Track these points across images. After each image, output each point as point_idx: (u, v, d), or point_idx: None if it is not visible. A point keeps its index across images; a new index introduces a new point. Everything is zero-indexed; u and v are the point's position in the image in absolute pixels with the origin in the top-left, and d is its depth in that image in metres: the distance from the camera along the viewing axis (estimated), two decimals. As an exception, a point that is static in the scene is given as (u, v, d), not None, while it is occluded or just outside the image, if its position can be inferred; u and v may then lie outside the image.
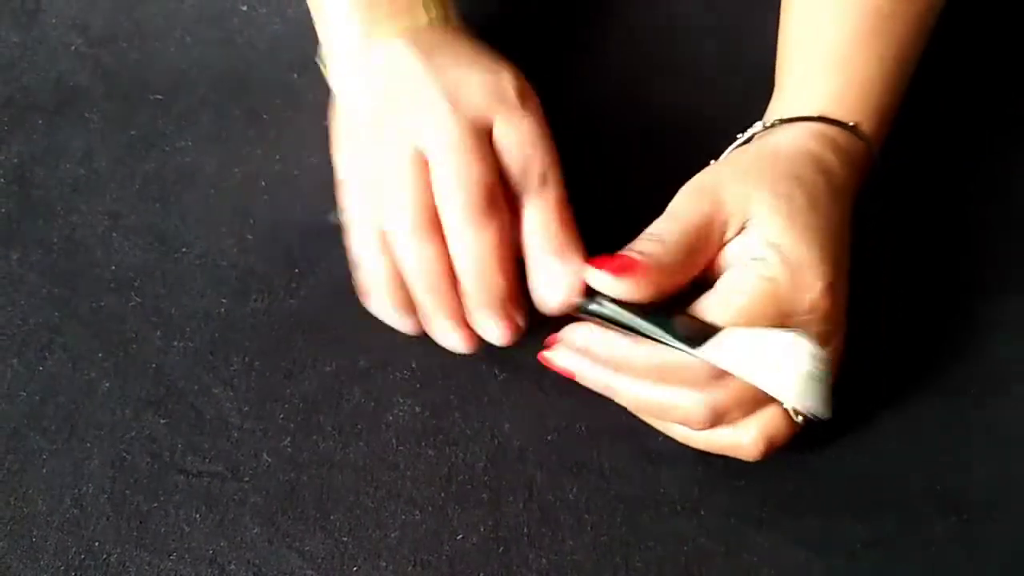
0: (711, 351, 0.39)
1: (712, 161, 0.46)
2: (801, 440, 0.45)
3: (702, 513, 0.43)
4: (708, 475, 0.44)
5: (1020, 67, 0.57)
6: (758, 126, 0.46)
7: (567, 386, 0.46)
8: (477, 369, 0.47)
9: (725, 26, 0.59)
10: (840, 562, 0.41)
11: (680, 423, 0.42)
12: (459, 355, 0.47)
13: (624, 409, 0.45)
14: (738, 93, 0.53)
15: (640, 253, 0.40)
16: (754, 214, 0.41)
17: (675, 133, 0.54)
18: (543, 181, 0.43)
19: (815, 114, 0.44)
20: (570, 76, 0.57)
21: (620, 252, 0.41)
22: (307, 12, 0.62)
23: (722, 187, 0.42)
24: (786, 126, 0.45)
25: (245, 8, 0.62)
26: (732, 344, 0.39)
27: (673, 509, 0.43)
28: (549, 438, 0.45)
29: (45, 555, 0.41)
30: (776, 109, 0.47)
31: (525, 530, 0.42)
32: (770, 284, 0.39)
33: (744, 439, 0.41)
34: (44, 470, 0.44)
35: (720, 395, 0.39)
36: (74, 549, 0.41)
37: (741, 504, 0.43)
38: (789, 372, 0.38)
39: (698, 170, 0.44)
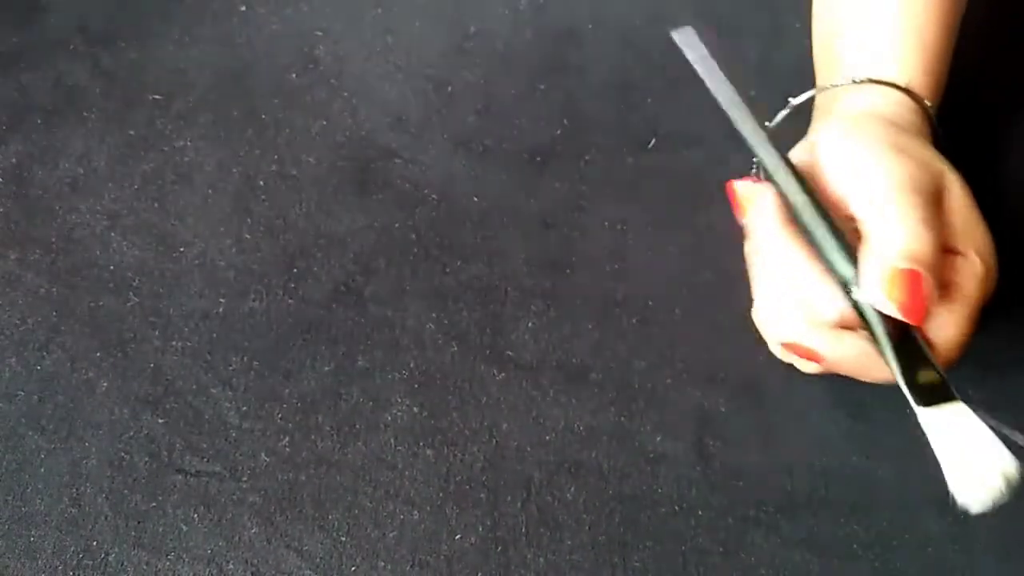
0: (933, 417, 0.36)
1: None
2: (799, 442, 0.45)
3: (700, 513, 0.43)
4: (706, 475, 0.44)
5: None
6: (841, 80, 0.45)
7: (565, 387, 0.46)
8: (475, 369, 0.47)
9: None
10: (838, 562, 0.41)
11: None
12: (458, 355, 0.47)
13: (622, 410, 0.45)
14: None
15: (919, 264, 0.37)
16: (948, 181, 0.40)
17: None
18: None
19: (903, 84, 0.44)
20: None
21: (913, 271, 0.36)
22: (305, 13, 0.62)
23: (926, 158, 0.40)
24: (879, 88, 0.44)
25: (243, 8, 0.62)
26: (957, 421, 0.36)
27: (671, 509, 0.43)
28: (547, 438, 0.45)
29: (43, 554, 0.41)
30: (856, 69, 0.45)
31: (523, 530, 0.42)
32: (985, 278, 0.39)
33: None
34: (42, 469, 0.44)
35: (840, 357, 0.38)
36: (72, 548, 0.41)
37: (739, 504, 0.43)
38: (980, 481, 0.36)
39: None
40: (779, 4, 0.63)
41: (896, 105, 0.44)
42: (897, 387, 0.46)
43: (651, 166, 0.54)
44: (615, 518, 0.42)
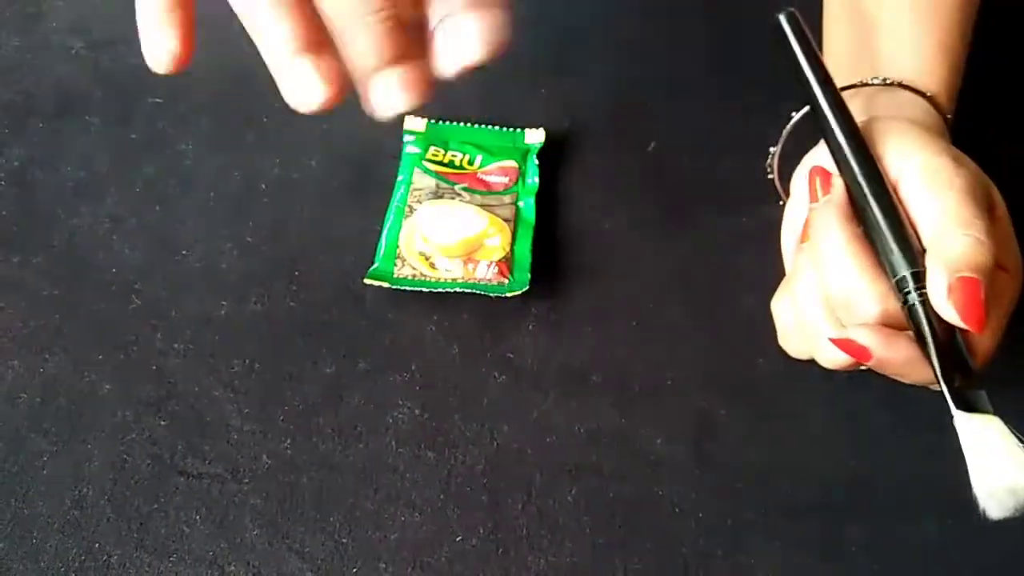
0: (968, 422, 0.37)
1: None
2: (798, 444, 0.45)
3: (700, 515, 0.43)
4: (706, 478, 0.44)
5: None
6: (874, 79, 0.46)
7: (565, 389, 0.46)
8: (476, 372, 0.47)
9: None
10: (837, 564, 0.41)
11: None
12: (459, 357, 0.47)
13: (622, 413, 0.45)
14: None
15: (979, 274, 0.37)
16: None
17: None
18: None
19: (929, 94, 0.45)
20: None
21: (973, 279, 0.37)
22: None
23: (969, 167, 0.41)
24: (907, 94, 0.45)
25: (245, 12, 0.62)
26: (989, 429, 0.37)
27: (671, 512, 0.43)
28: (548, 440, 0.45)
29: (46, 556, 0.41)
30: (888, 69, 0.46)
31: (524, 532, 0.42)
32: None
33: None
34: (45, 472, 0.44)
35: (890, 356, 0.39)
36: (74, 550, 0.42)
37: (739, 506, 0.43)
38: (1007, 488, 0.36)
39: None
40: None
41: (926, 113, 0.45)
42: (896, 392, 0.46)
43: (651, 168, 0.55)
44: (615, 520, 0.43)
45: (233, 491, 0.43)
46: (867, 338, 0.39)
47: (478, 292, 0.48)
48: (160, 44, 0.37)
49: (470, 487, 0.43)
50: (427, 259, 0.49)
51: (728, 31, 0.61)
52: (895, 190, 0.41)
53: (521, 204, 0.52)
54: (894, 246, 0.39)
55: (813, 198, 0.42)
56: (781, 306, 0.44)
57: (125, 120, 0.57)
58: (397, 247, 0.50)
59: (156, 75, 0.58)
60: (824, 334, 0.40)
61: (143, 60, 0.59)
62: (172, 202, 0.53)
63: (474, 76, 0.57)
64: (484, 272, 0.48)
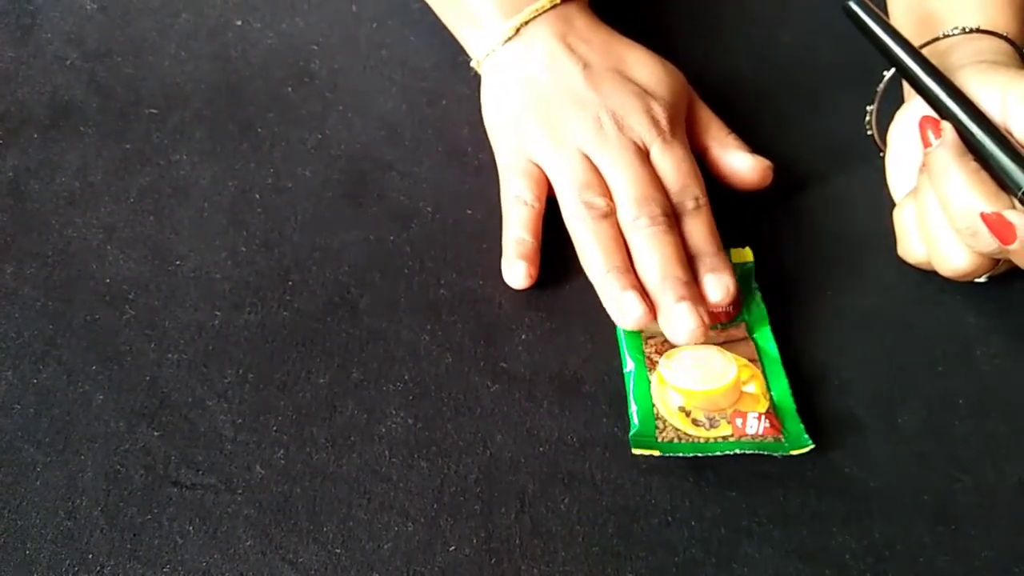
0: None
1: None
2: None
3: (693, 524, 0.43)
4: (699, 485, 0.44)
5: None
6: (955, 29, 0.50)
7: (559, 398, 0.46)
8: (470, 381, 0.47)
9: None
10: (830, 572, 0.41)
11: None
12: (452, 367, 0.47)
13: (615, 421, 0.45)
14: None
15: None
16: None
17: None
18: (696, 204, 0.49)
19: (1005, 34, 0.50)
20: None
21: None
22: (300, 27, 0.62)
23: None
24: (988, 38, 0.49)
25: (239, 23, 0.62)
26: None
27: (664, 520, 0.43)
28: (541, 449, 0.45)
29: (39, 568, 0.41)
30: (965, 18, 0.50)
31: (517, 541, 0.42)
32: None
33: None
34: (38, 482, 0.44)
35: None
36: (68, 562, 0.41)
37: (732, 514, 0.43)
38: None
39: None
40: (767, 14, 0.64)
41: (1005, 55, 0.49)
42: (886, 400, 0.46)
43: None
44: (608, 529, 0.43)
45: (226, 501, 0.43)
46: (1017, 217, 0.43)
47: (761, 453, 0.44)
48: (522, 270, 0.49)
49: (463, 496, 0.43)
50: (687, 415, 0.45)
51: (720, 45, 0.61)
52: (1003, 125, 0.45)
53: (757, 337, 0.48)
54: (1012, 164, 0.43)
55: (926, 144, 0.46)
56: (905, 212, 0.49)
57: (119, 131, 0.57)
58: (652, 405, 0.45)
59: (151, 86, 0.59)
60: (949, 237, 0.45)
61: (137, 71, 0.60)
62: (166, 212, 0.53)
63: (467, 88, 0.57)
64: (755, 428, 0.44)
